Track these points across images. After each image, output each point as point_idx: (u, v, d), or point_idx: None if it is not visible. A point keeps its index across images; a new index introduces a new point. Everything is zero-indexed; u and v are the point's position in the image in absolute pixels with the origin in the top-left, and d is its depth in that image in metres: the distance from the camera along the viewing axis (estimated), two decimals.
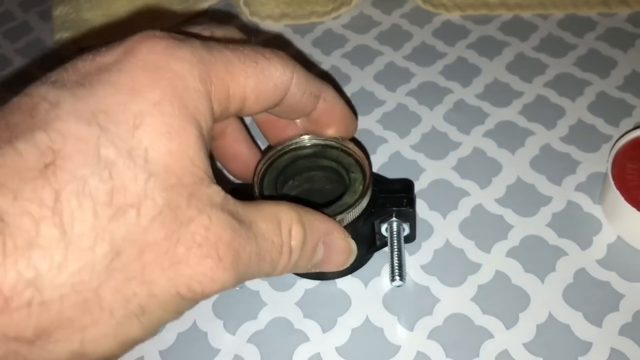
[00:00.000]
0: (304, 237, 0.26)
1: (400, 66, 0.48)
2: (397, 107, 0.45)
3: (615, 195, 0.34)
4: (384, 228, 0.34)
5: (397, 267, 0.33)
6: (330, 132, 0.32)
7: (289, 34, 0.51)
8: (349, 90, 0.46)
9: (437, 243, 0.37)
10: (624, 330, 0.32)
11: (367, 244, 0.35)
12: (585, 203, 0.38)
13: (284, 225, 0.25)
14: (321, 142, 0.34)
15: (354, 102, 0.45)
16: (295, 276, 0.36)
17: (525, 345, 0.32)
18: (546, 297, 0.34)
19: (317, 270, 0.30)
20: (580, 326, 0.32)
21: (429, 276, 0.35)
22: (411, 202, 0.34)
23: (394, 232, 0.34)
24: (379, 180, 0.36)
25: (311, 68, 0.44)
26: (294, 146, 0.34)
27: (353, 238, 0.31)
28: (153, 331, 0.22)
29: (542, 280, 0.34)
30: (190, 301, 0.22)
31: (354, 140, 0.34)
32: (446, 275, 0.35)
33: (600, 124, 0.42)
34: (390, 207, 0.33)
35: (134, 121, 0.21)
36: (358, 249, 0.31)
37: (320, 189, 0.35)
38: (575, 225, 0.37)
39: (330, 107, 0.30)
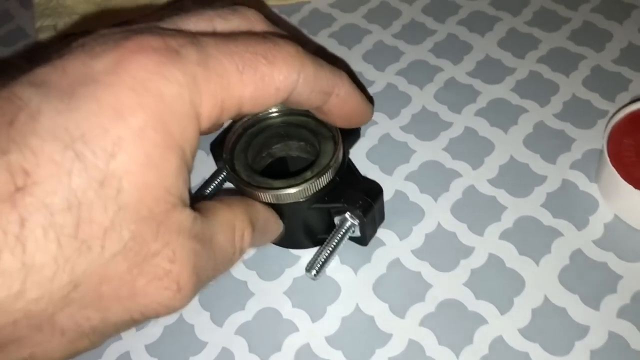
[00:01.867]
0: (253, 237, 0.27)
1: (389, 45, 0.46)
2: (386, 87, 0.43)
3: (611, 173, 0.33)
4: (336, 219, 0.33)
5: (319, 261, 0.32)
6: (340, 123, 0.31)
7: (274, 15, 0.50)
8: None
9: (428, 227, 0.36)
10: (623, 313, 0.31)
11: (324, 225, 0.34)
12: (581, 181, 0.36)
13: (237, 232, 0.26)
14: (288, 109, 0.33)
15: None
16: (284, 265, 0.35)
17: (521, 331, 0.31)
18: (541, 280, 0.33)
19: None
20: (577, 309, 0.31)
21: (420, 261, 0.34)
22: (366, 209, 0.32)
23: (341, 228, 0.32)
24: (350, 172, 0.34)
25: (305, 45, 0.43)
26: (262, 116, 0.34)
27: (306, 214, 0.32)
28: (102, 342, 0.23)
29: (537, 263, 0.33)
30: (141, 322, 0.23)
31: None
32: (438, 260, 0.34)
33: (595, 99, 0.40)
34: (342, 203, 0.32)
35: (113, 148, 0.20)
36: (311, 226, 0.33)
37: (290, 157, 0.35)
38: (570, 205, 0.35)
39: (343, 102, 0.28)
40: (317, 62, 0.26)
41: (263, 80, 0.23)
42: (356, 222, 0.32)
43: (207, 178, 0.35)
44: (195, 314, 0.34)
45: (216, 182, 0.35)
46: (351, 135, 0.36)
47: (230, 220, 0.25)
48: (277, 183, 0.31)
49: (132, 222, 0.20)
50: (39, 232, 0.18)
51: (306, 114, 0.33)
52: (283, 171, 0.35)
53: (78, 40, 0.22)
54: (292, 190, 0.30)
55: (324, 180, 0.31)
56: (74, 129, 0.19)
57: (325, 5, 0.50)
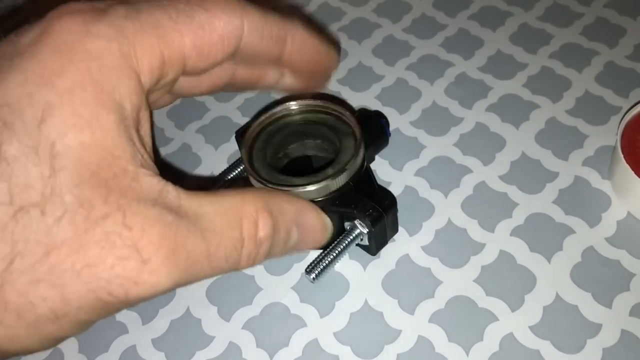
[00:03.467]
0: (274, 225, 0.25)
1: (399, 39, 0.46)
2: (396, 82, 0.43)
3: (625, 170, 0.33)
4: (346, 224, 0.32)
5: (320, 265, 0.31)
6: (309, 75, 0.29)
7: (284, 9, 0.49)
8: (346, 65, 0.44)
9: (439, 223, 0.35)
10: (635, 311, 0.31)
11: (336, 228, 0.33)
12: (594, 178, 0.36)
13: (247, 217, 0.23)
14: (309, 107, 0.33)
15: (351, 77, 0.43)
16: (292, 260, 0.35)
17: (532, 328, 0.31)
18: (553, 278, 0.32)
19: (294, 253, 0.28)
20: (589, 307, 0.31)
21: (430, 257, 0.34)
22: (376, 219, 0.31)
23: (349, 235, 0.32)
24: (367, 178, 0.33)
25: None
26: (280, 114, 0.33)
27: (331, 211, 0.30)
28: (80, 330, 0.21)
29: (549, 260, 0.33)
30: (117, 305, 0.20)
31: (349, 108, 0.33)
32: (448, 256, 0.34)
33: (608, 95, 0.40)
34: (352, 209, 0.31)
35: (41, 114, 0.19)
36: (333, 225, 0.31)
37: (310, 155, 0.34)
38: (583, 202, 0.35)
39: (301, 47, 0.27)
40: (263, 9, 0.25)
41: (202, 28, 0.23)
42: (365, 230, 0.32)
43: (226, 167, 0.35)
44: (202, 308, 0.34)
45: (238, 170, 0.35)
46: (378, 140, 0.36)
47: (235, 205, 0.23)
48: (297, 180, 0.30)
49: (73, 185, 0.19)
50: None
51: (324, 110, 0.33)
52: (307, 169, 0.35)
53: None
54: (310, 188, 0.30)
55: (338, 182, 0.30)
56: (1, 101, 0.19)
57: None
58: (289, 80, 0.30)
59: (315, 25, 0.47)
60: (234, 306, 0.34)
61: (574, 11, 0.45)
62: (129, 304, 0.21)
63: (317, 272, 0.31)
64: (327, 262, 0.31)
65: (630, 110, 0.35)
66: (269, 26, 0.25)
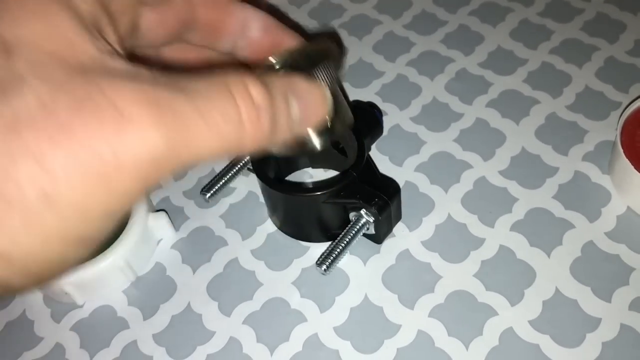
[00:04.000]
0: (268, 91, 0.21)
1: (399, 35, 0.46)
2: (396, 78, 0.43)
3: (625, 164, 0.33)
4: (351, 215, 0.33)
5: (331, 256, 0.31)
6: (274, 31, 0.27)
7: (285, 6, 0.49)
8: (346, 61, 0.44)
9: (439, 218, 0.35)
10: (635, 305, 0.31)
11: (339, 220, 0.33)
12: (594, 173, 0.36)
13: (235, 85, 0.20)
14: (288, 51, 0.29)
15: (352, 73, 0.43)
16: (292, 256, 0.35)
17: (531, 322, 0.31)
18: (553, 272, 0.32)
19: (301, 132, 0.24)
20: (589, 301, 0.31)
21: (430, 252, 0.34)
22: (382, 207, 0.31)
23: (356, 225, 0.32)
24: (369, 168, 0.33)
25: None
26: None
27: (322, 208, 0.30)
28: (88, 230, 0.18)
29: (549, 255, 0.33)
30: (114, 175, 0.18)
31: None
32: (448, 251, 0.34)
33: (608, 90, 0.40)
34: (358, 199, 0.31)
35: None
36: (326, 220, 0.31)
37: None
38: (582, 197, 0.35)
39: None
40: None
41: None
42: (371, 219, 0.32)
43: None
44: (203, 303, 0.34)
45: (239, 166, 0.35)
46: (373, 130, 0.36)
47: (219, 78, 0.20)
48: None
49: (30, 66, 0.17)
50: None
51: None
52: None
53: None
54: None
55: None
56: None
57: None
58: (255, 34, 0.27)
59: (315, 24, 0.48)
60: (234, 301, 0.34)
61: (574, 7, 0.45)
62: (126, 171, 0.18)
63: (327, 263, 0.31)
64: (336, 253, 0.31)
65: (630, 105, 0.35)
66: None
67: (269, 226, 0.36)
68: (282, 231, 0.36)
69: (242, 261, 0.35)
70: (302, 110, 0.23)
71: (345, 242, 0.32)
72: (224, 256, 0.35)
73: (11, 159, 0.16)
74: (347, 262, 0.34)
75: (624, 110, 0.36)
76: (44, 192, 0.17)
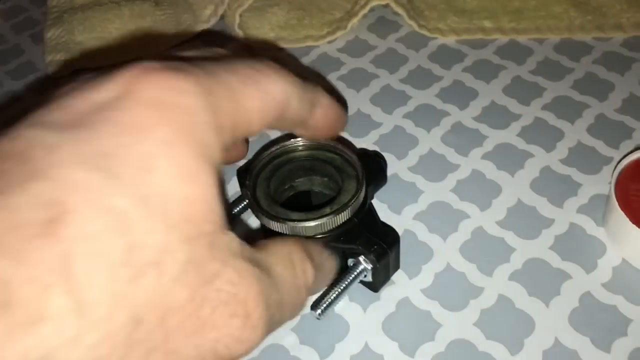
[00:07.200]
0: (315, 273, 0.25)
1: (396, 89, 0.47)
2: (394, 129, 0.44)
3: (619, 217, 0.34)
4: (350, 261, 0.33)
5: (326, 300, 0.31)
6: (324, 135, 0.30)
7: (284, 58, 0.50)
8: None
9: (438, 266, 0.36)
10: (634, 356, 0.31)
11: (341, 263, 0.33)
12: (588, 225, 0.37)
13: (297, 266, 0.24)
14: (315, 144, 0.34)
15: (350, 124, 0.44)
16: None
17: None
18: (552, 322, 0.33)
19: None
20: (588, 352, 0.31)
21: (430, 300, 0.34)
22: (381, 255, 0.32)
23: (353, 271, 0.32)
24: (370, 215, 0.34)
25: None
26: (287, 148, 0.34)
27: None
28: None
29: (547, 305, 0.33)
30: None
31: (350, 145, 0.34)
32: (447, 299, 0.34)
33: (600, 146, 0.41)
34: (357, 246, 0.32)
35: (144, 164, 0.18)
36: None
37: (313, 191, 0.35)
38: (578, 248, 0.36)
39: (326, 112, 0.28)
40: (297, 76, 0.26)
41: (266, 93, 0.23)
42: (369, 266, 0.32)
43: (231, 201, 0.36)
44: None
45: (241, 206, 0.35)
46: (378, 178, 0.37)
47: (286, 253, 0.24)
48: (294, 215, 0.31)
49: (183, 242, 0.18)
50: (86, 265, 0.16)
51: (333, 149, 0.34)
52: (305, 205, 0.35)
53: (65, 85, 0.21)
54: (309, 224, 0.30)
55: (341, 218, 0.31)
56: (99, 151, 0.18)
57: (334, 50, 0.51)
58: (304, 133, 0.30)
59: (316, 74, 0.49)
60: None
61: (564, 66, 0.47)
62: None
63: (322, 307, 0.31)
64: (332, 297, 0.31)
65: (623, 160, 0.36)
66: (306, 92, 0.26)
67: None
68: None
69: None
70: (322, 273, 0.28)
71: (341, 287, 0.31)
72: None
73: (149, 350, 0.18)
74: (347, 308, 0.34)
75: (616, 165, 0.37)
76: None
